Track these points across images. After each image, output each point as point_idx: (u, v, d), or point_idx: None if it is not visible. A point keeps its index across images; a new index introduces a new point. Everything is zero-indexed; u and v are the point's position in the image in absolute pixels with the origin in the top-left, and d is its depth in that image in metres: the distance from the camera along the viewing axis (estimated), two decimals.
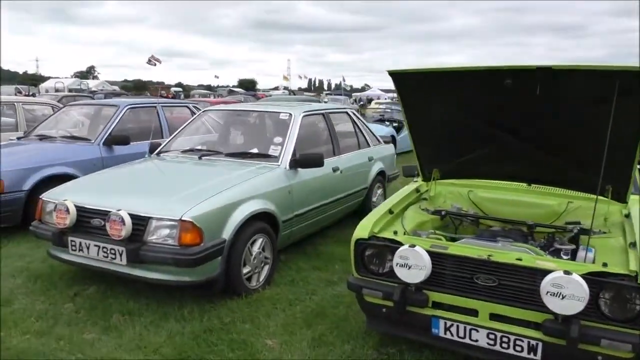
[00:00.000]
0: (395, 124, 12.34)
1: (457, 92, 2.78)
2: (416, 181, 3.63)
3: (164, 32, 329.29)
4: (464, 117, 2.90)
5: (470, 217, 3.18)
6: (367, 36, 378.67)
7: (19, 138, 6.06)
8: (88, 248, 3.38)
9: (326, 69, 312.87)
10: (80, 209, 3.43)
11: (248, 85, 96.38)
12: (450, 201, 3.38)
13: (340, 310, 3.38)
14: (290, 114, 4.49)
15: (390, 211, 2.98)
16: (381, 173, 5.74)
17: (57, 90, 37.02)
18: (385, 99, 46.27)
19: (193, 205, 3.25)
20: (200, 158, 4.25)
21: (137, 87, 64.06)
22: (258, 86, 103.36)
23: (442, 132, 3.07)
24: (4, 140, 6.70)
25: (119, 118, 5.84)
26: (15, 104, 7.26)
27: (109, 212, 3.24)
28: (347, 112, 5.50)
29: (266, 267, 3.77)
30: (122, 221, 3.18)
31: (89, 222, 3.43)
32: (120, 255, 3.25)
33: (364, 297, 2.74)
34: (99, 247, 3.34)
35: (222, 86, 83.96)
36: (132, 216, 3.21)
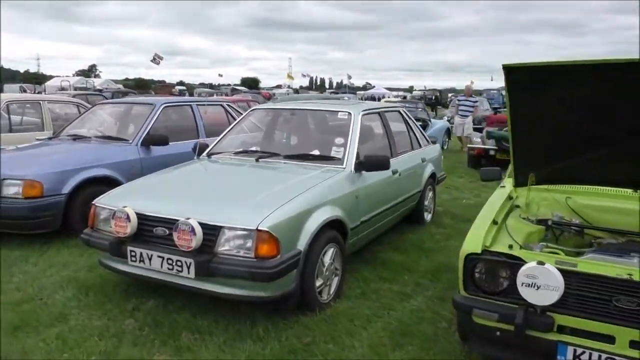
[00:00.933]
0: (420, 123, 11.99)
1: (571, 87, 2.50)
2: (503, 186, 3.35)
3: (164, 31, 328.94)
4: (575, 116, 2.63)
5: (576, 227, 2.89)
6: (368, 34, 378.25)
7: (50, 138, 5.77)
8: (150, 259, 3.10)
9: (327, 67, 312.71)
10: (141, 217, 3.15)
11: (251, 84, 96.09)
12: (545, 209, 3.09)
13: (426, 328, 3.10)
14: (350, 113, 4.21)
15: (494, 221, 2.69)
16: (432, 175, 5.46)
17: (62, 89, 36.76)
18: (390, 97, 45.84)
19: (268, 214, 2.96)
20: (257, 160, 3.96)
21: (139, 86, 63.72)
22: (261, 85, 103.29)
23: (548, 133, 2.79)
24: (31, 141, 6.44)
25: (155, 117, 5.56)
26: (41, 102, 6.98)
27: (177, 220, 2.96)
28: (399, 111, 5.21)
29: (335, 279, 3.49)
30: (193, 231, 2.89)
31: (151, 231, 3.14)
32: (188, 267, 2.97)
33: (473, 318, 2.46)
34: (162, 258, 3.06)
35: (225, 85, 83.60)
36: (202, 225, 2.93)
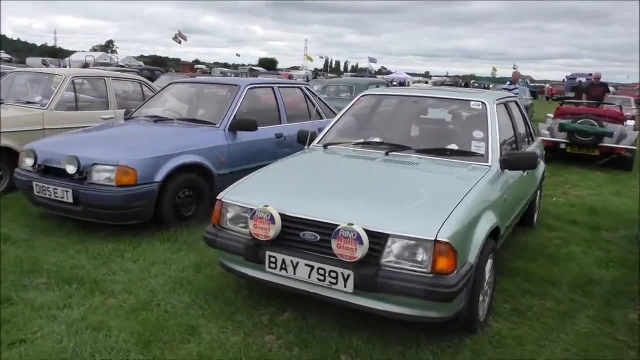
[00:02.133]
0: None
1: None
2: None
3: (183, 8, 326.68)
4: None
5: None
6: (385, 17, 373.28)
7: (126, 118, 5.37)
8: (295, 267, 2.69)
9: (343, 50, 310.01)
10: (285, 218, 2.73)
11: (269, 65, 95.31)
12: None
13: (611, 357, 2.68)
14: (484, 103, 3.75)
15: None
16: (543, 172, 4.99)
17: (86, 65, 36.44)
18: (412, 82, 44.62)
19: (443, 221, 2.54)
20: (387, 154, 3.52)
21: (155, 63, 63.16)
22: (278, 66, 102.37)
23: None
24: (97, 120, 6.06)
25: (241, 99, 5.13)
26: (105, 79, 6.56)
27: (335, 225, 2.54)
28: (515, 101, 4.72)
29: (488, 294, 3.06)
30: (359, 239, 2.48)
31: (296, 235, 2.73)
32: (345, 280, 2.56)
33: None
34: (311, 267, 2.65)
35: (243, 65, 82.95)
36: (366, 232, 2.51)
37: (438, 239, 2.45)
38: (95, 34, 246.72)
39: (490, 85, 49.55)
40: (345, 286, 2.57)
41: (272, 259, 2.75)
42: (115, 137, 4.68)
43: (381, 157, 3.49)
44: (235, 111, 5.01)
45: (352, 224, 2.51)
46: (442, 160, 3.41)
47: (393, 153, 3.52)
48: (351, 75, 56.36)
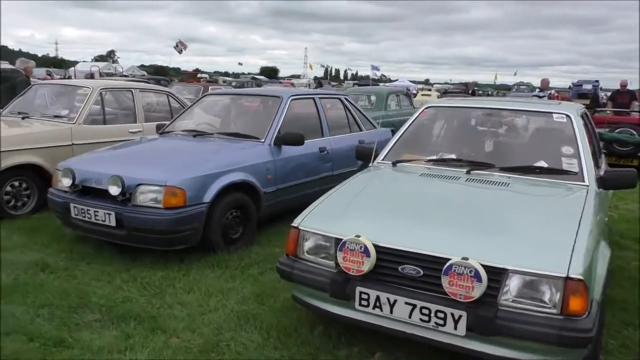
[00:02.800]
0: None
1: None
2: None
3: (183, 19, 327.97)
4: None
5: None
6: (385, 26, 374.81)
7: (160, 133, 5.06)
8: (392, 306, 2.37)
9: (342, 58, 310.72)
10: (382, 251, 2.41)
11: (270, 73, 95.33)
12: None
13: None
14: (568, 115, 3.43)
15: None
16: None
17: (92, 75, 36.20)
18: (416, 89, 44.22)
19: (570, 254, 2.21)
20: (468, 172, 3.19)
21: (157, 72, 62.89)
22: (280, 74, 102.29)
23: None
24: (126, 134, 5.76)
25: (284, 112, 4.82)
26: (133, 91, 6.25)
27: (446, 260, 2.22)
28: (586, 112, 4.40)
29: None
30: (477, 276, 2.15)
31: (393, 269, 2.41)
32: (456, 321, 2.24)
33: None
34: (413, 306, 2.33)
35: (245, 74, 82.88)
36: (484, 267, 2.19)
37: (570, 275, 2.12)
38: (96, 44, 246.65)
39: (491, 92, 49.48)
40: (455, 328, 2.25)
41: (364, 296, 2.43)
42: (156, 155, 4.35)
43: (463, 177, 3.16)
44: (280, 125, 4.70)
45: (467, 258, 2.19)
46: (533, 180, 3.09)
47: (475, 171, 3.20)
48: (354, 84, 56.04)
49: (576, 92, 43.38)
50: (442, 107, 4.10)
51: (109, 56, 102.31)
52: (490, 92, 50.81)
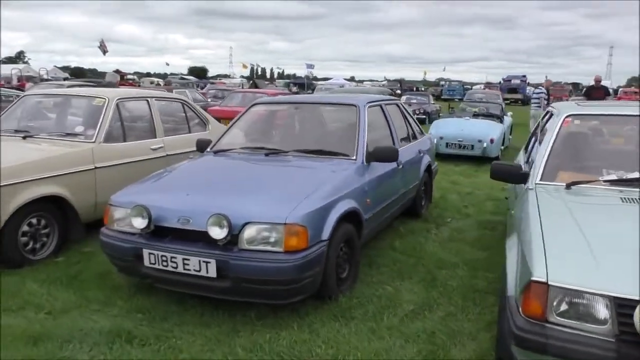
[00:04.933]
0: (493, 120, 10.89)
1: None
2: None
3: (98, 18, 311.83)
4: None
5: None
6: (309, 24, 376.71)
7: (216, 152, 4.23)
8: None
9: (269, 57, 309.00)
10: None
11: (199, 73, 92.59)
12: None
13: None
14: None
15: None
16: None
17: (43, 80, 32.99)
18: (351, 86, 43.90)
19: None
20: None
21: (75, 74, 59.02)
22: (208, 74, 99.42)
23: None
24: (146, 153, 4.87)
25: (366, 122, 4.16)
26: (149, 100, 5.30)
27: None
28: None
29: None
30: None
31: None
32: None
33: None
34: None
35: (174, 74, 79.91)
36: None
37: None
38: (2, 45, 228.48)
39: (422, 88, 50.31)
40: None
41: None
42: (244, 182, 3.52)
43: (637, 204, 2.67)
44: (366, 138, 4.03)
45: None
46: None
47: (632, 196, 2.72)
48: (289, 83, 55.15)
49: (506, 87, 45.46)
50: (585, 115, 3.60)
51: (19, 57, 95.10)
52: (423, 89, 51.66)
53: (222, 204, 3.03)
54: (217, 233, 2.92)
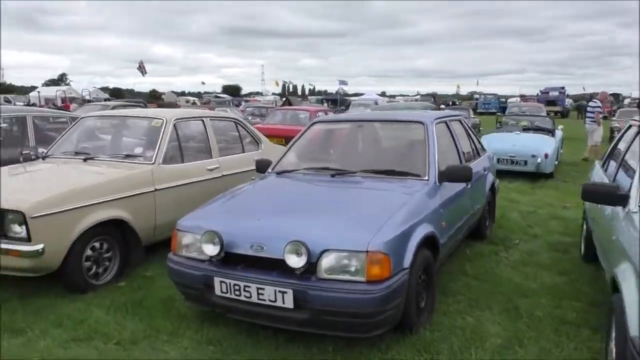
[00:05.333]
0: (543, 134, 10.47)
1: None
2: None
3: (133, 39, 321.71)
4: None
5: None
6: (338, 42, 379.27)
7: (278, 173, 4.09)
8: None
9: (298, 74, 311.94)
10: None
11: (233, 91, 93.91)
12: None
13: None
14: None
15: None
16: None
17: (66, 101, 34.07)
18: (387, 102, 43.56)
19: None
20: None
21: (114, 95, 60.58)
22: (242, 92, 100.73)
23: None
24: (202, 174, 4.77)
25: (435, 140, 3.96)
26: (204, 120, 5.23)
27: None
28: None
29: None
30: None
31: None
32: None
33: None
34: None
35: (208, 92, 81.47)
36: None
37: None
38: (44, 68, 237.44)
39: (457, 102, 49.47)
40: None
41: None
42: (315, 206, 3.35)
43: None
44: (437, 157, 3.83)
45: None
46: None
47: None
48: (322, 99, 55.12)
49: (544, 99, 44.44)
50: None
51: (61, 80, 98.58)
52: (457, 102, 50.82)
53: (298, 231, 2.87)
54: (295, 261, 2.76)
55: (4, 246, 3.45)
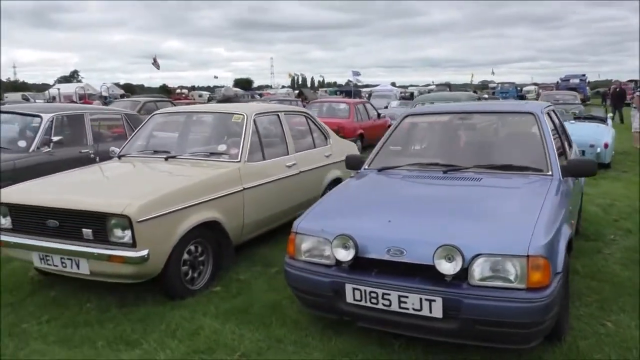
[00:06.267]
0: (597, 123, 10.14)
1: None
2: None
3: (143, 35, 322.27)
4: None
5: None
6: (348, 32, 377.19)
7: (380, 170, 3.86)
8: None
9: (308, 66, 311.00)
10: None
11: (245, 85, 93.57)
12: None
13: None
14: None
15: None
16: None
17: (84, 97, 34.07)
18: (399, 93, 42.71)
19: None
20: None
21: (126, 91, 60.54)
22: (254, 85, 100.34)
23: None
24: (282, 171, 4.55)
25: (550, 132, 3.70)
26: (279, 114, 4.98)
27: None
28: None
29: None
30: None
31: None
32: None
33: None
34: None
35: (219, 86, 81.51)
36: None
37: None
38: (55, 65, 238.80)
39: (474, 91, 48.75)
40: None
41: None
42: (448, 205, 3.08)
43: None
44: (555, 149, 3.57)
45: None
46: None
47: None
48: (336, 91, 54.55)
49: (565, 87, 43.66)
50: None
51: (73, 76, 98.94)
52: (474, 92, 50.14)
53: (448, 234, 2.63)
54: (447, 268, 2.53)
55: (107, 252, 3.26)
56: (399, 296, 2.64)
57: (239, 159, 4.23)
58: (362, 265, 2.79)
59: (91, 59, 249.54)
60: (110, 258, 3.25)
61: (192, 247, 3.72)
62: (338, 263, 2.84)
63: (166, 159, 4.34)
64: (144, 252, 3.24)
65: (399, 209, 3.10)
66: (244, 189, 4.15)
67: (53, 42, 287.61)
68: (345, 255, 2.77)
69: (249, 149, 4.34)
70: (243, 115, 4.54)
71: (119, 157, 4.60)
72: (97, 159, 6.14)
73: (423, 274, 2.62)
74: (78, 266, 3.41)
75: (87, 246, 3.33)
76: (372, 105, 13.23)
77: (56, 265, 3.50)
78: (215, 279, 3.91)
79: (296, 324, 3.19)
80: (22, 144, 5.66)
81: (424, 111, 4.50)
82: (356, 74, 55.59)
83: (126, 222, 3.20)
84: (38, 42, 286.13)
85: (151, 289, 3.61)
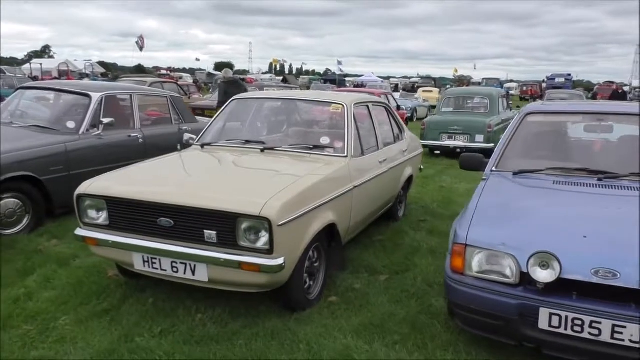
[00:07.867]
0: None
1: None
2: None
3: (119, 12, 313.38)
4: None
5: None
6: (328, 21, 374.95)
7: (514, 174, 3.51)
8: None
9: (287, 53, 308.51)
10: None
11: (226, 69, 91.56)
12: None
13: None
14: None
15: None
16: None
17: (82, 75, 32.76)
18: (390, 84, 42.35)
19: None
20: None
21: (106, 68, 58.56)
22: (235, 69, 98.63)
23: None
24: (374, 168, 4.17)
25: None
26: (369, 105, 4.58)
27: None
28: None
29: None
30: None
31: None
32: None
33: None
34: None
35: (201, 69, 79.78)
36: None
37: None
38: (25, 39, 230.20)
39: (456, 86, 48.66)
40: None
41: None
42: (630, 217, 2.75)
43: None
44: None
45: None
46: None
47: None
48: (319, 79, 53.89)
49: (550, 86, 44.12)
50: None
51: (44, 52, 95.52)
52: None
53: None
54: None
55: (237, 258, 2.82)
56: (613, 325, 2.31)
57: (345, 154, 3.82)
58: (555, 287, 2.44)
59: (63, 35, 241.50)
60: (241, 265, 2.82)
61: (311, 253, 3.31)
62: (523, 282, 2.49)
63: (262, 150, 3.89)
64: (281, 260, 2.82)
65: (586, 222, 2.75)
66: (354, 187, 3.75)
67: (23, 15, 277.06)
68: (546, 276, 2.42)
69: (353, 143, 3.93)
70: (343, 105, 4.13)
71: (202, 146, 4.12)
72: (145, 144, 5.64)
73: (637, 300, 2.30)
74: (193, 272, 2.96)
75: (209, 250, 2.89)
76: (393, 96, 12.88)
77: (164, 270, 3.04)
78: (325, 287, 3.51)
79: (452, 345, 2.83)
80: (70, 125, 5.12)
81: (547, 110, 4.14)
82: (340, 63, 55.12)
83: (265, 225, 2.76)
84: (6, 13, 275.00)
85: (254, 296, 3.20)
